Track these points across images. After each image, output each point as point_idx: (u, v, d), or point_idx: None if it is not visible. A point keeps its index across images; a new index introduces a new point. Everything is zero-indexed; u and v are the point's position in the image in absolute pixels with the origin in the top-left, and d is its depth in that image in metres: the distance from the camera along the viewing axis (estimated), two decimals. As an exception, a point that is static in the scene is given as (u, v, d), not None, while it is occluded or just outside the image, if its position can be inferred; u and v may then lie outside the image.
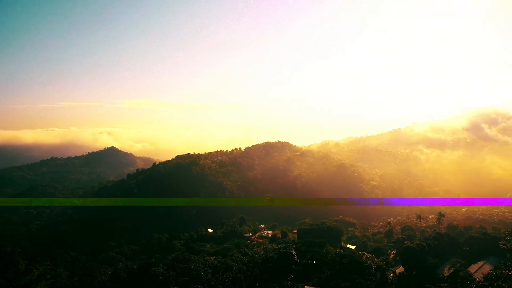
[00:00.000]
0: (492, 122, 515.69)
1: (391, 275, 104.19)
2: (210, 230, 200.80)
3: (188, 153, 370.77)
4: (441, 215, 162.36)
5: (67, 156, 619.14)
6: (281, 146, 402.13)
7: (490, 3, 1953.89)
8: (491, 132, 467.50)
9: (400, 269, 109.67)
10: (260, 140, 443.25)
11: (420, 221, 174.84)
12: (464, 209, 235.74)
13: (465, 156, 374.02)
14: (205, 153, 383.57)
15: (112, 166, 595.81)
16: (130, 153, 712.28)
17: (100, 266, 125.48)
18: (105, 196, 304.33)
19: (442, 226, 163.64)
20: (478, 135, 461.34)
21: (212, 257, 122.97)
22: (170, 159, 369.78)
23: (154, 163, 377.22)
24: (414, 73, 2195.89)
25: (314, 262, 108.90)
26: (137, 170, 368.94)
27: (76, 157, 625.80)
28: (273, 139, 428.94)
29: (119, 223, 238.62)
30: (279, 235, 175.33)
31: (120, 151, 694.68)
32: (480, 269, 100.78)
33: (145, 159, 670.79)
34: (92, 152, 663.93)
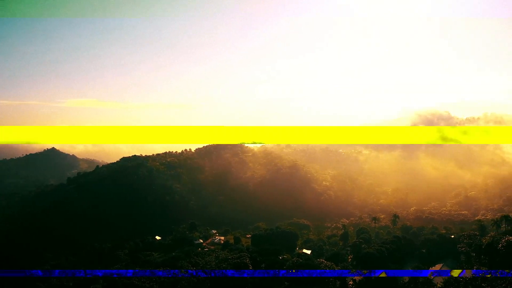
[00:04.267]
0: (433, 123, 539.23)
1: (351, 282, 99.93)
2: (158, 237, 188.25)
3: (135, 155, 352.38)
4: (396, 216, 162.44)
5: (1, 159, 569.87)
6: (233, 147, 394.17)
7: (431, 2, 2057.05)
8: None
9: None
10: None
11: (374, 222, 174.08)
12: (413, 208, 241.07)
13: (410, 156, 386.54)
14: (153, 154, 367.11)
15: (52, 169, 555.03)
16: (73, 154, 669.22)
17: (32, 283, 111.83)
18: (43, 202, 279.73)
19: (396, 227, 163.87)
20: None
21: (159, 269, 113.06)
22: (115, 161, 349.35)
23: (97, 166, 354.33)
24: (368, 73, 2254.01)
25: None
26: (78, 173, 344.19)
27: (11, 159, 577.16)
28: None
29: (58, 231, 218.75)
30: (232, 241, 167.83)
31: (61, 152, 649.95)
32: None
33: (89, 161, 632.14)
34: (30, 154, 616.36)
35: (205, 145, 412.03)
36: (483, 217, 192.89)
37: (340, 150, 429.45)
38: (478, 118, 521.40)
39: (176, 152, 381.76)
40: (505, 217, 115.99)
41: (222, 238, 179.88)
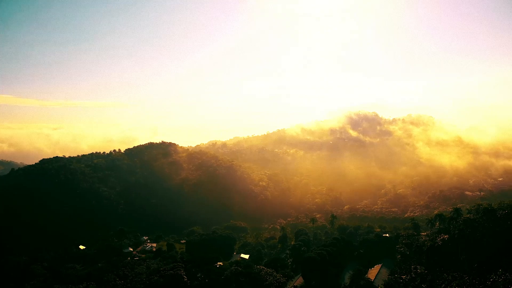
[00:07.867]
0: (358, 123, 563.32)
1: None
2: (82, 247, 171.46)
3: (57, 156, 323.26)
4: (333, 217, 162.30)
5: None
6: (166, 147, 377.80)
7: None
8: (367, 133, 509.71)
9: (299, 281, 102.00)
10: (142, 141, 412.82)
11: (312, 223, 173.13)
12: (346, 206, 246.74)
13: (337, 156, 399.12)
14: (78, 155, 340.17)
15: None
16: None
17: None
18: None
19: (333, 227, 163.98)
20: (356, 135, 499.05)
21: (82, 284, 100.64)
22: (34, 163, 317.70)
23: (13, 169, 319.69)
24: (302, 74, 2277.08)
25: (207, 281, 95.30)
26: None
27: None
28: (156, 140, 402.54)
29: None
30: (165, 247, 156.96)
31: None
32: (378, 275, 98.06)
33: (4, 163, 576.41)
34: None
35: (136, 145, 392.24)
36: (412, 213, 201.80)
37: (276, 150, 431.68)
38: (403, 119, 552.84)
39: (104, 152, 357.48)
40: (439, 215, 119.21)
41: (154, 245, 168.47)
